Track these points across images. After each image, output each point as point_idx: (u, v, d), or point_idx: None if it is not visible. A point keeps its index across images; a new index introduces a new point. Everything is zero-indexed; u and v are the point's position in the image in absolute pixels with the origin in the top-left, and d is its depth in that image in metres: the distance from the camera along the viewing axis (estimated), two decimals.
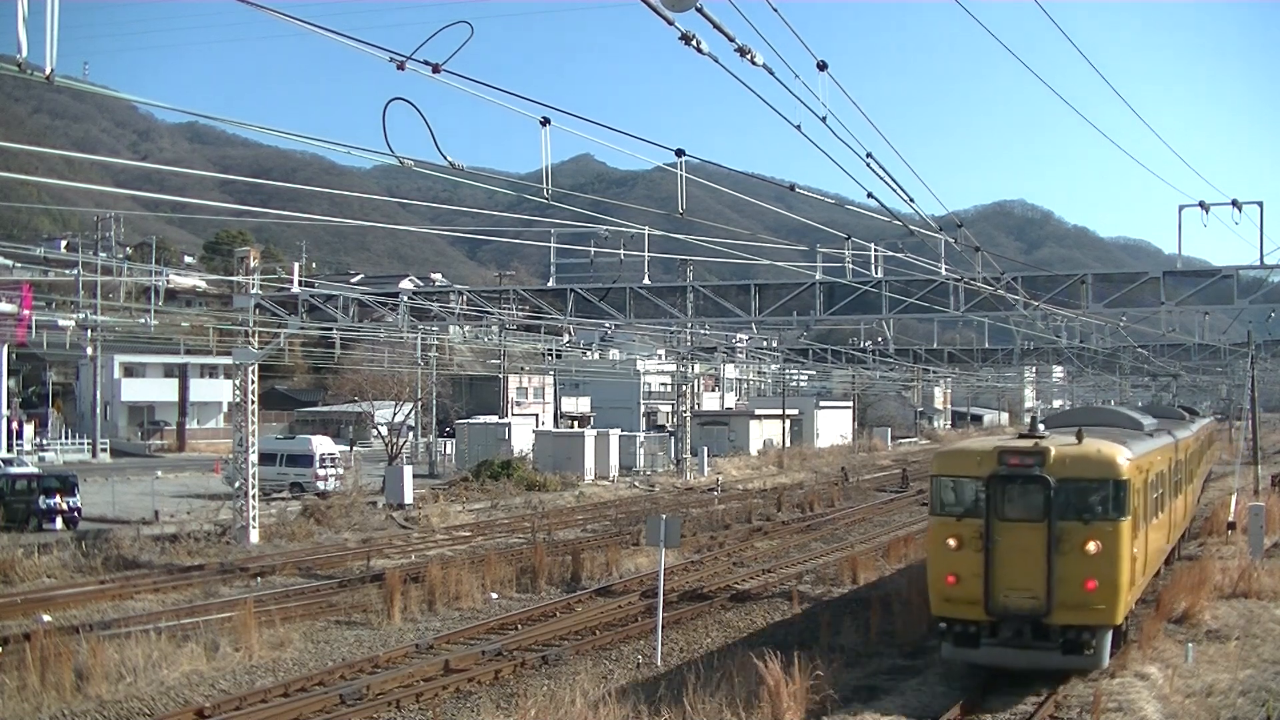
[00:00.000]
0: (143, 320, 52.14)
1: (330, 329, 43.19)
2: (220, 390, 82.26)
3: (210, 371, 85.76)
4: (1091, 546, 17.25)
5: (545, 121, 12.55)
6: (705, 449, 70.71)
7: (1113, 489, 17.64)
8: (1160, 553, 23.98)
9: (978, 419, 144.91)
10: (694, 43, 8.80)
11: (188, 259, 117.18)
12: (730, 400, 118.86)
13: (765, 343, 71.93)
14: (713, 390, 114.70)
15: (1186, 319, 41.64)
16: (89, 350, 74.58)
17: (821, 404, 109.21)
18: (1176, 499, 26.79)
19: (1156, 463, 22.11)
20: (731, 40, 9.10)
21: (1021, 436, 19.12)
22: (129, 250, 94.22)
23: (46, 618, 23.97)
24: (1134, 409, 31.95)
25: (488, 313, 37.19)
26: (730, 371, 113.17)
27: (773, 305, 32.70)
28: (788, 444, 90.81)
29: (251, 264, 38.47)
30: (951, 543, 17.94)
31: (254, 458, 36.86)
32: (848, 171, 13.10)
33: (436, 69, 9.98)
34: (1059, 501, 17.48)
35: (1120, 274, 31.31)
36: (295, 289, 38.18)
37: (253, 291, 37.32)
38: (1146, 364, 61.84)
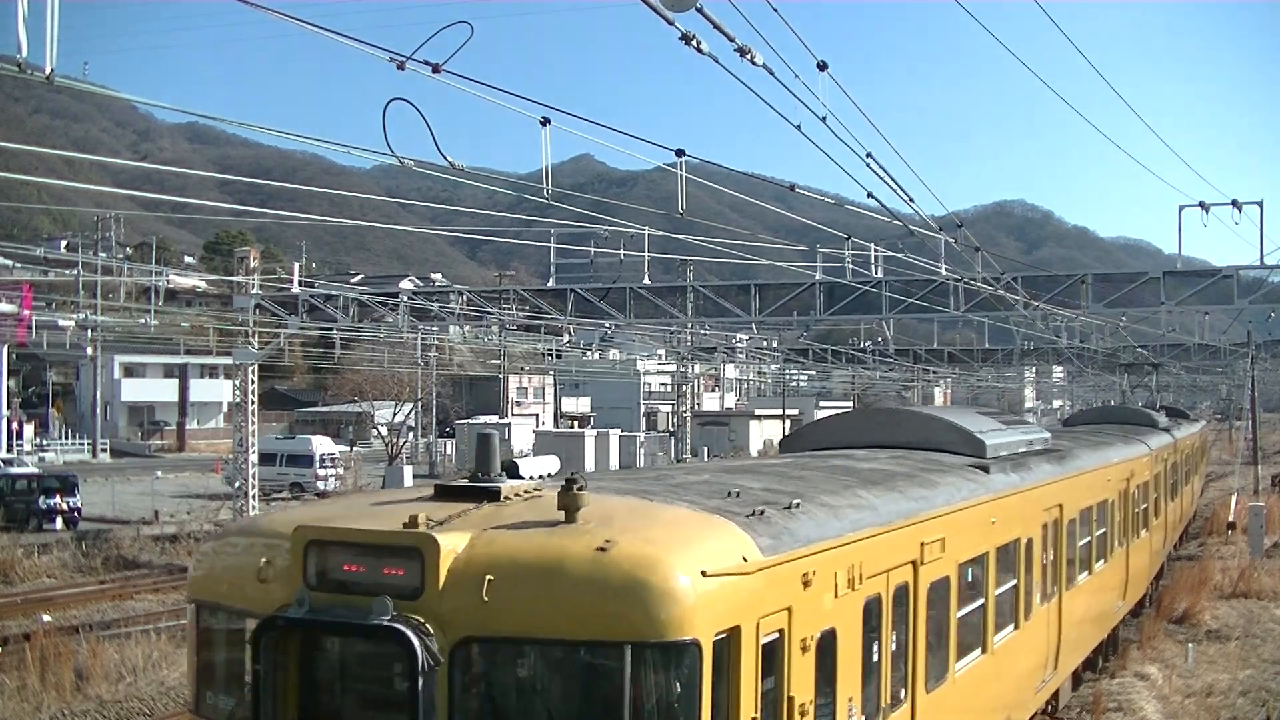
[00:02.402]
0: (143, 320, 52.10)
1: (330, 329, 43.16)
2: (220, 390, 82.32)
3: (210, 371, 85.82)
4: None
5: (545, 121, 12.53)
6: (705, 449, 70.73)
7: (666, 664, 6.02)
8: None
9: None
10: (694, 43, 8.79)
11: (188, 259, 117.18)
12: (730, 400, 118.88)
13: (765, 343, 71.88)
14: (713, 390, 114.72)
15: (1186, 319, 41.61)
16: (89, 350, 74.49)
17: (821, 404, 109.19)
18: (1102, 566, 17.59)
19: (961, 534, 10.65)
20: (731, 40, 9.09)
21: (439, 492, 7.31)
22: (129, 250, 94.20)
23: (46, 618, 23.98)
24: (1004, 415, 18.38)
25: (488, 313, 37.19)
26: (730, 371, 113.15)
27: (773, 305, 32.71)
28: None
29: (251, 264, 38.54)
30: None
31: (254, 458, 36.85)
32: (848, 171, 13.03)
33: (436, 69, 9.96)
34: (465, 705, 6.11)
35: (1120, 274, 31.38)
36: (295, 289, 38.17)
37: (253, 291, 37.33)
38: (1146, 363, 61.79)
